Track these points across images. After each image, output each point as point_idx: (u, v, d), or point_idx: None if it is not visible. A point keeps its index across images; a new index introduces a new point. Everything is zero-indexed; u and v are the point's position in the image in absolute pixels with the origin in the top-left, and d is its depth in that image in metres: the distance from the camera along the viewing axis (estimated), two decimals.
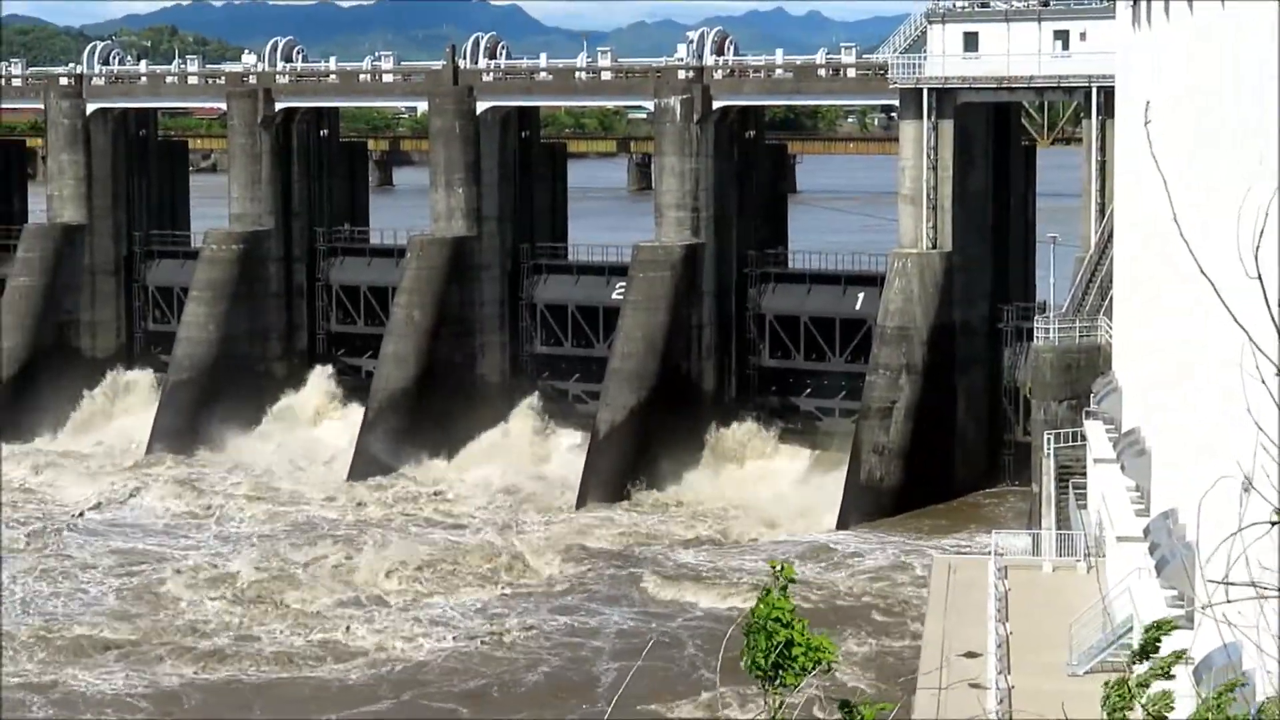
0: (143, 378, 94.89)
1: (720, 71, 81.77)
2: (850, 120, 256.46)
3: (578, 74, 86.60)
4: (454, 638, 59.39)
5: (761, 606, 13.73)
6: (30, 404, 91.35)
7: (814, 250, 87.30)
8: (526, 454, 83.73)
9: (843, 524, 72.07)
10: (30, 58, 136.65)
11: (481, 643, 58.87)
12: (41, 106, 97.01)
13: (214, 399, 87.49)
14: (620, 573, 66.42)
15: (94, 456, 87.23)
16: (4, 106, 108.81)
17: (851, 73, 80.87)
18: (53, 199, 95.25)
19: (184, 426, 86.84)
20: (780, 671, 13.61)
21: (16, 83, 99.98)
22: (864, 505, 72.72)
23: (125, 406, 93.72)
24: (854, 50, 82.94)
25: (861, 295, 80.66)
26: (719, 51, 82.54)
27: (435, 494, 78.85)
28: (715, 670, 53.19)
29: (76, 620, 61.30)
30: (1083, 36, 73.56)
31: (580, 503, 76.11)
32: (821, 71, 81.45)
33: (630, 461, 77.77)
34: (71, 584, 65.79)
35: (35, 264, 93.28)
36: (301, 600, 63.15)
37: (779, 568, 14.43)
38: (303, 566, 66.92)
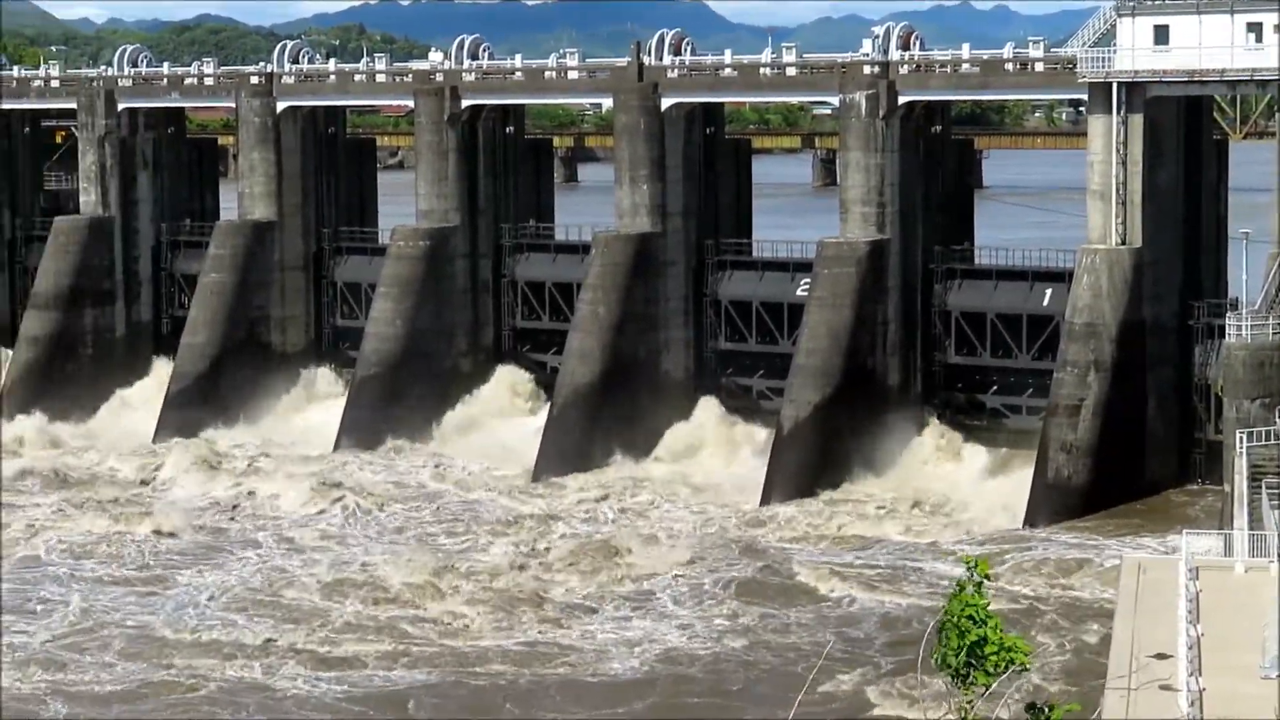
0: (330, 373, 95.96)
1: (906, 66, 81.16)
2: (1038, 115, 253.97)
3: (762, 70, 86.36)
4: (686, 637, 59.58)
5: (955, 603, 13.48)
6: (221, 398, 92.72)
7: (1000, 246, 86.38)
8: (709, 450, 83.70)
9: (1030, 522, 71.31)
10: (222, 57, 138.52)
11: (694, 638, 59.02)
12: (233, 105, 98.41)
13: (401, 394, 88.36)
14: (807, 570, 66.13)
15: (285, 454, 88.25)
16: (197, 105, 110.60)
17: (1039, 67, 79.94)
18: (243, 196, 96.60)
19: (371, 421, 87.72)
20: (972, 670, 13.36)
21: (209, 82, 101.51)
22: (1051, 504, 71.88)
23: (313, 401, 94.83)
24: (1041, 44, 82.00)
25: (1049, 291, 79.73)
26: (905, 46, 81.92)
27: (622, 490, 78.90)
28: (908, 670, 52.90)
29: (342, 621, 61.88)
30: (1277, 28, 72.19)
31: (764, 500, 75.90)
32: (1009, 66, 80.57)
33: (815, 458, 77.44)
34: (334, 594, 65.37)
35: (226, 260, 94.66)
36: (535, 599, 63.40)
37: (973, 564, 14.18)
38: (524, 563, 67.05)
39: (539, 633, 60.15)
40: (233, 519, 76.06)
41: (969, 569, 14.18)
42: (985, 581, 13.62)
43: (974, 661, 13.51)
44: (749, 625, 60.48)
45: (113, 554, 70.37)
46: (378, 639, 59.37)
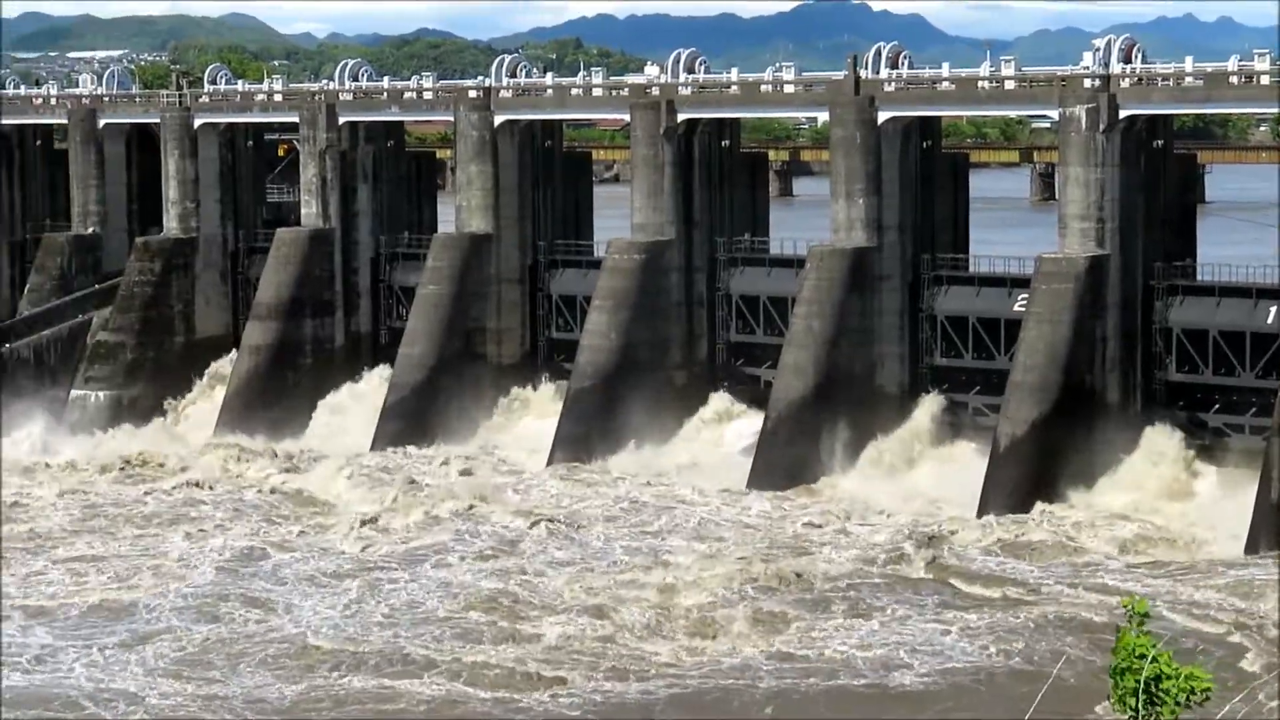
0: (546, 385, 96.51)
1: (1127, 79, 79.92)
2: (1263, 129, 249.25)
3: (980, 83, 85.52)
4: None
5: (1123, 645, 13.11)
6: (437, 410, 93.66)
7: (1223, 262, 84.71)
8: (923, 467, 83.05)
9: (1251, 547, 69.75)
10: (441, 71, 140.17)
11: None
12: (451, 119, 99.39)
13: (615, 406, 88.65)
14: (1026, 588, 65.48)
15: (502, 462, 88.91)
16: (416, 119, 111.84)
17: (1264, 79, 78.31)
18: (461, 209, 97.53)
19: (586, 433, 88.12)
20: (1155, 708, 12.95)
21: (428, 96, 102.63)
22: (1275, 528, 70.28)
23: (528, 413, 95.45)
24: (1267, 57, 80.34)
25: (1274, 309, 78.04)
26: (1126, 59, 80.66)
27: (837, 504, 78.52)
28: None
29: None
30: None
31: (979, 515, 75.18)
32: (1233, 79, 79.02)
33: (1031, 475, 76.49)
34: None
35: (444, 272, 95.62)
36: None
37: (1131, 605, 13.78)
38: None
39: (799, 641, 60.31)
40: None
41: (1129, 610, 13.79)
42: (1147, 619, 13.22)
43: (1154, 700, 13.13)
44: (991, 638, 60.15)
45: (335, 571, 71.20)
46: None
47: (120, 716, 54.74)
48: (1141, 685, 11.58)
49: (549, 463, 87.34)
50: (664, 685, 56.78)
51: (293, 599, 66.11)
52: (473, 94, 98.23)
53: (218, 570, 70.25)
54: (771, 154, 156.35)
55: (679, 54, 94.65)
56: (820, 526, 75.18)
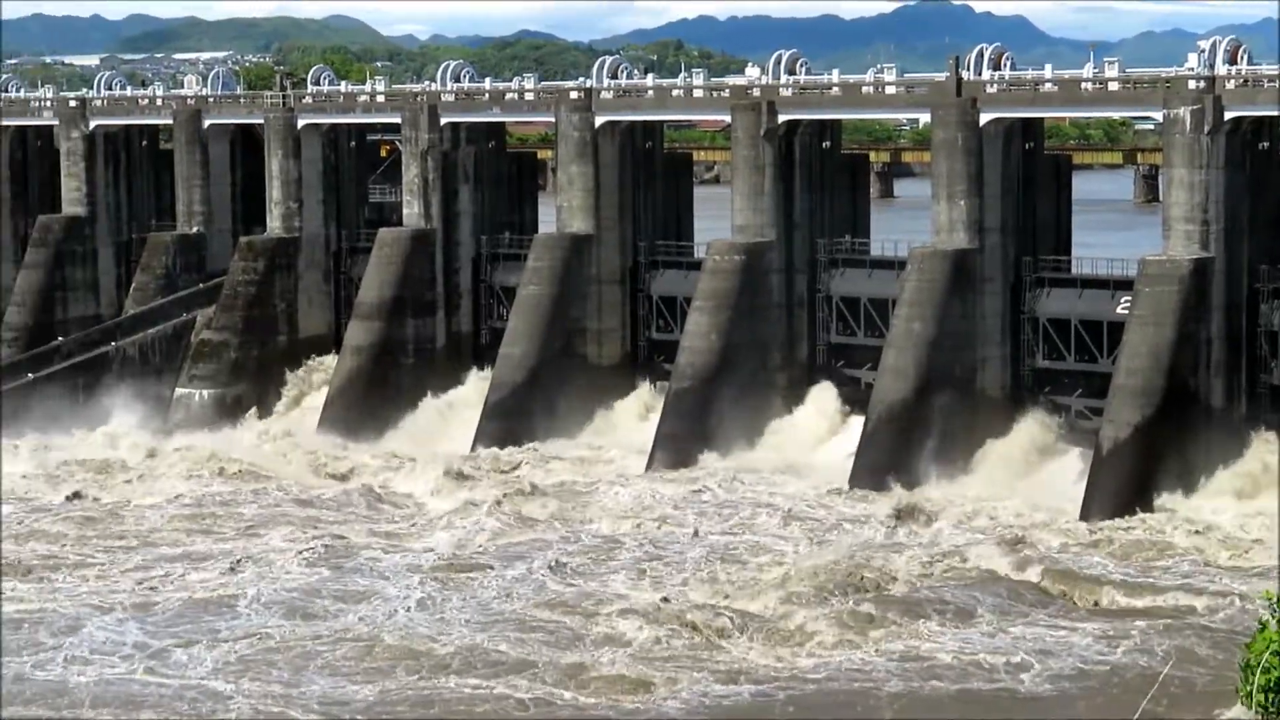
0: (645, 386, 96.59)
1: (1233, 81, 79.19)
2: None
3: (1083, 84, 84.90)
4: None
5: (1259, 641, 12.97)
6: (538, 410, 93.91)
7: None
8: (1025, 469, 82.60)
9: None
10: (542, 73, 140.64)
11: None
12: (552, 120, 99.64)
13: (715, 407, 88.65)
14: (1135, 590, 65.30)
15: (600, 463, 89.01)
16: (517, 120, 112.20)
17: None
18: (562, 210, 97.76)
19: (685, 434, 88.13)
20: None
21: (529, 97, 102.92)
22: None
23: (628, 414, 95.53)
24: None
25: None
26: (1231, 60, 79.92)
27: (938, 507, 78.18)
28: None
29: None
30: None
31: (1082, 519, 74.75)
32: None
33: (1134, 479, 75.95)
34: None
35: (545, 273, 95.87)
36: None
37: (1275, 599, 13.65)
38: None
39: (908, 643, 60.22)
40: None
41: (1272, 604, 13.66)
42: None
43: None
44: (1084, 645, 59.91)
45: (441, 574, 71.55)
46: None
47: (206, 715, 55.22)
48: (1273, 685, 11.50)
49: (648, 464, 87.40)
50: (778, 687, 56.60)
51: (384, 598, 66.30)
52: (574, 95, 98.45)
53: (312, 569, 70.69)
54: (872, 155, 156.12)
55: (780, 55, 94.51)
56: (921, 528, 74.89)
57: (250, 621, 63.99)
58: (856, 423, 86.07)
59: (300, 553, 73.09)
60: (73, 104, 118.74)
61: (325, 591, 67.41)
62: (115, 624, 63.78)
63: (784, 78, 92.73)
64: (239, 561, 72.01)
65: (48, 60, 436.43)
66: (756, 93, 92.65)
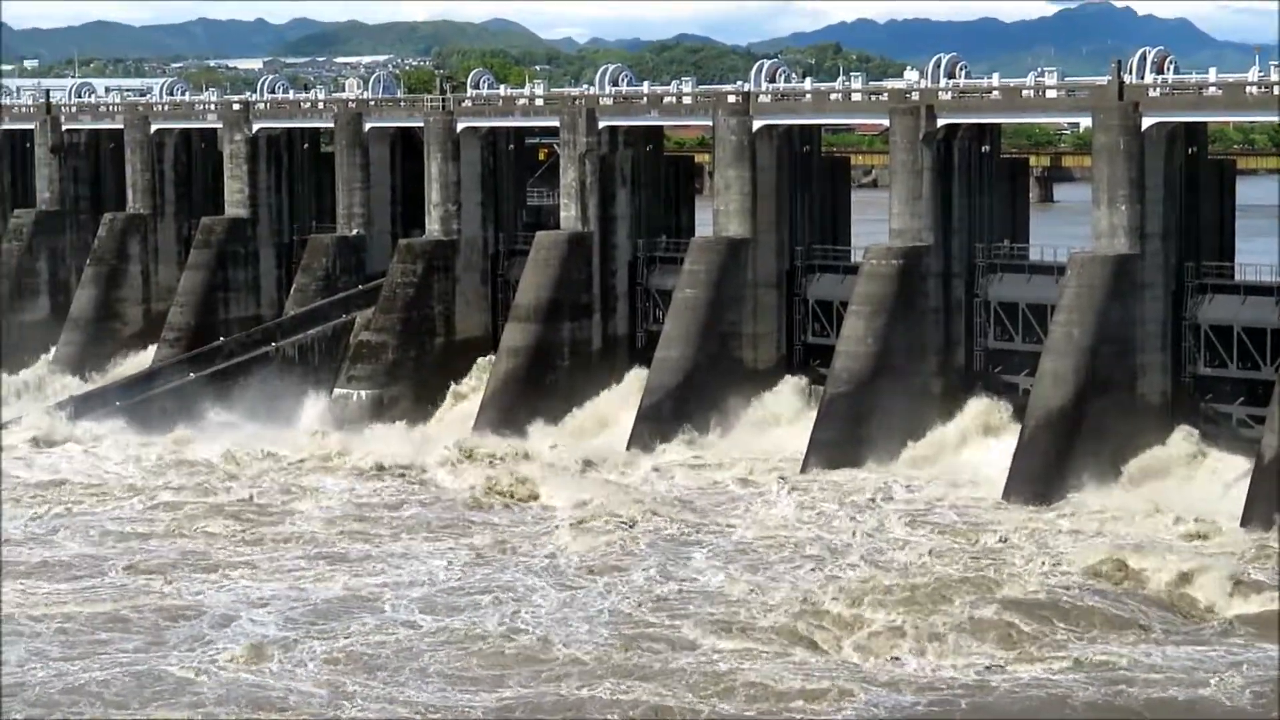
0: (801, 390, 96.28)
1: None
2: None
3: (1249, 88, 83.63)
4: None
5: None
6: (693, 412, 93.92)
7: None
8: (1185, 477, 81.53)
9: None
10: (700, 76, 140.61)
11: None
12: (710, 123, 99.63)
13: (871, 412, 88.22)
14: None
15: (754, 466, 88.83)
16: (674, 124, 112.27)
17: None
18: (719, 213, 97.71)
19: (840, 439, 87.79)
20: None
21: (687, 100, 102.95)
22: None
23: (783, 418, 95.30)
24: None
25: None
26: None
27: (1097, 515, 77.31)
28: None
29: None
30: None
31: (1244, 527, 73.67)
32: None
33: None
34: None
35: (701, 277, 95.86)
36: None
37: None
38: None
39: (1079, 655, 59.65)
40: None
41: None
42: None
43: None
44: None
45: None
46: None
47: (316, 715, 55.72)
48: None
49: (803, 468, 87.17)
50: (960, 695, 56.20)
51: (530, 602, 66.49)
52: (732, 99, 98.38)
53: (459, 569, 71.30)
54: (1032, 160, 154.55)
55: (939, 58, 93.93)
56: (1081, 538, 73.94)
57: (391, 619, 64.53)
58: (1013, 429, 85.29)
59: (449, 552, 73.64)
60: (236, 107, 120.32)
61: (469, 591, 67.92)
62: (260, 620, 64.58)
63: (943, 81, 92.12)
64: (388, 559, 72.63)
65: (212, 64, 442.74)
66: (915, 96, 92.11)
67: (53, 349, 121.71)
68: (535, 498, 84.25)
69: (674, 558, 72.65)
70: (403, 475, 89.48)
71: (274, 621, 64.55)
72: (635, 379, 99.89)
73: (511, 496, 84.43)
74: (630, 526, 77.46)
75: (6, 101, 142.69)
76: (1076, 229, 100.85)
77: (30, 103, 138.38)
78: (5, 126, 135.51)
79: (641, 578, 69.44)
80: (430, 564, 72.26)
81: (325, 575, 70.89)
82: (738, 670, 58.18)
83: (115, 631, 63.69)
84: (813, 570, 69.97)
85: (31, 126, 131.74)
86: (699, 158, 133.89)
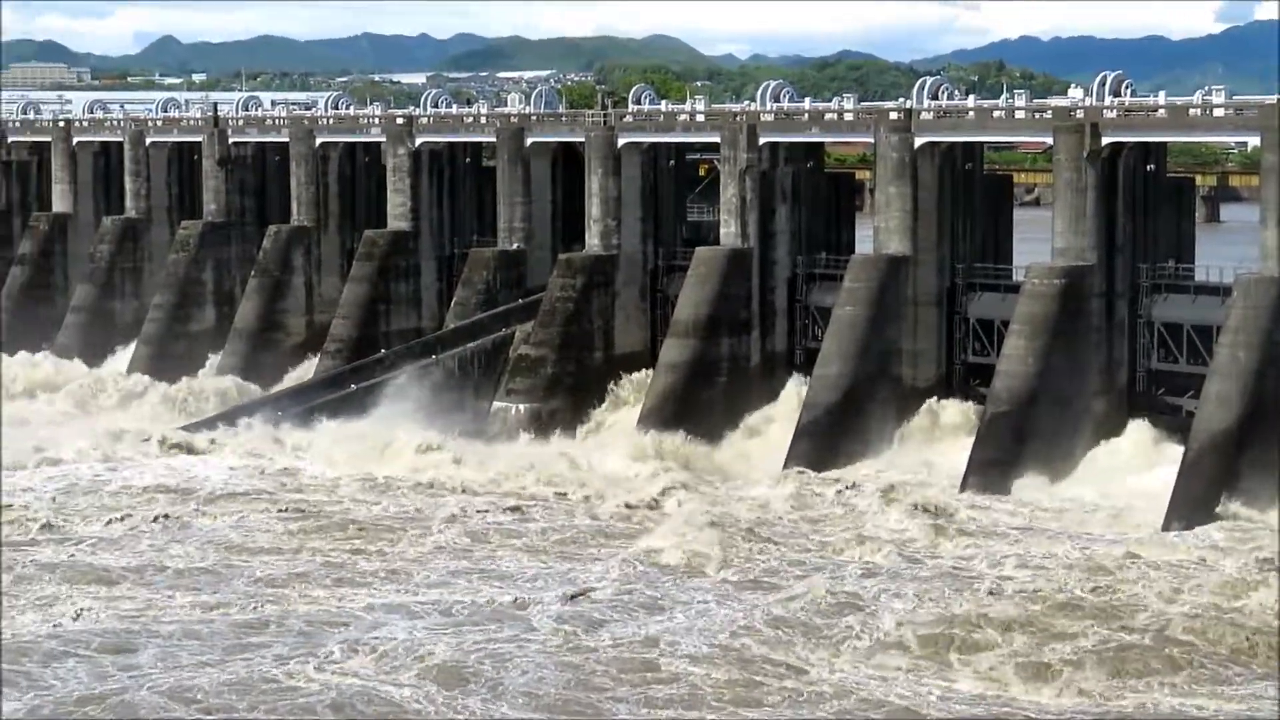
0: (960, 409, 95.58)
1: None
2: None
3: None
4: None
5: None
6: (851, 430, 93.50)
7: None
8: None
9: None
10: (861, 93, 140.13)
11: None
12: (871, 140, 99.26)
13: (1031, 433, 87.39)
14: None
15: (907, 486, 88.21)
16: (835, 140, 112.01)
17: None
18: (879, 231, 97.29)
19: (1000, 460, 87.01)
20: None
21: (848, 117, 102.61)
22: None
23: (942, 437, 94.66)
24: None
25: None
26: None
27: (1266, 543, 75.94)
28: None
29: None
30: None
31: None
32: None
33: None
34: None
35: (860, 294, 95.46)
36: None
37: None
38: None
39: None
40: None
41: None
42: None
43: None
44: None
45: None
46: None
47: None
48: None
49: (961, 488, 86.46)
50: None
51: (684, 626, 66.31)
52: (894, 116, 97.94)
53: (613, 584, 71.38)
54: (1198, 179, 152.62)
55: (1104, 76, 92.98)
56: (1251, 567, 72.50)
57: (536, 633, 64.73)
58: (1175, 453, 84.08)
59: (605, 569, 73.76)
60: (400, 121, 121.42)
61: (620, 607, 67.92)
62: (407, 629, 65.08)
63: (1108, 99, 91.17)
64: (543, 572, 72.96)
65: (376, 78, 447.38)
66: (1080, 114, 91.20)
67: (217, 358, 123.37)
68: (705, 511, 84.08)
69: (830, 571, 72.43)
70: (561, 486, 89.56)
71: (409, 629, 65.05)
72: (793, 396, 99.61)
73: (677, 508, 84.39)
74: (790, 541, 77.24)
75: (175, 114, 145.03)
76: (1243, 249, 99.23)
77: (198, 116, 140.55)
78: (174, 139, 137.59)
79: (771, 599, 69.14)
80: (586, 576, 72.45)
81: (474, 584, 71.33)
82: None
83: (251, 637, 64.49)
84: (960, 591, 69.24)
85: (199, 139, 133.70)
86: (860, 174, 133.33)
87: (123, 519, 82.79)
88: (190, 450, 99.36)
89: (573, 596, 68.98)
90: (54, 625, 65.57)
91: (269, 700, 57.45)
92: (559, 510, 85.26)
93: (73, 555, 76.31)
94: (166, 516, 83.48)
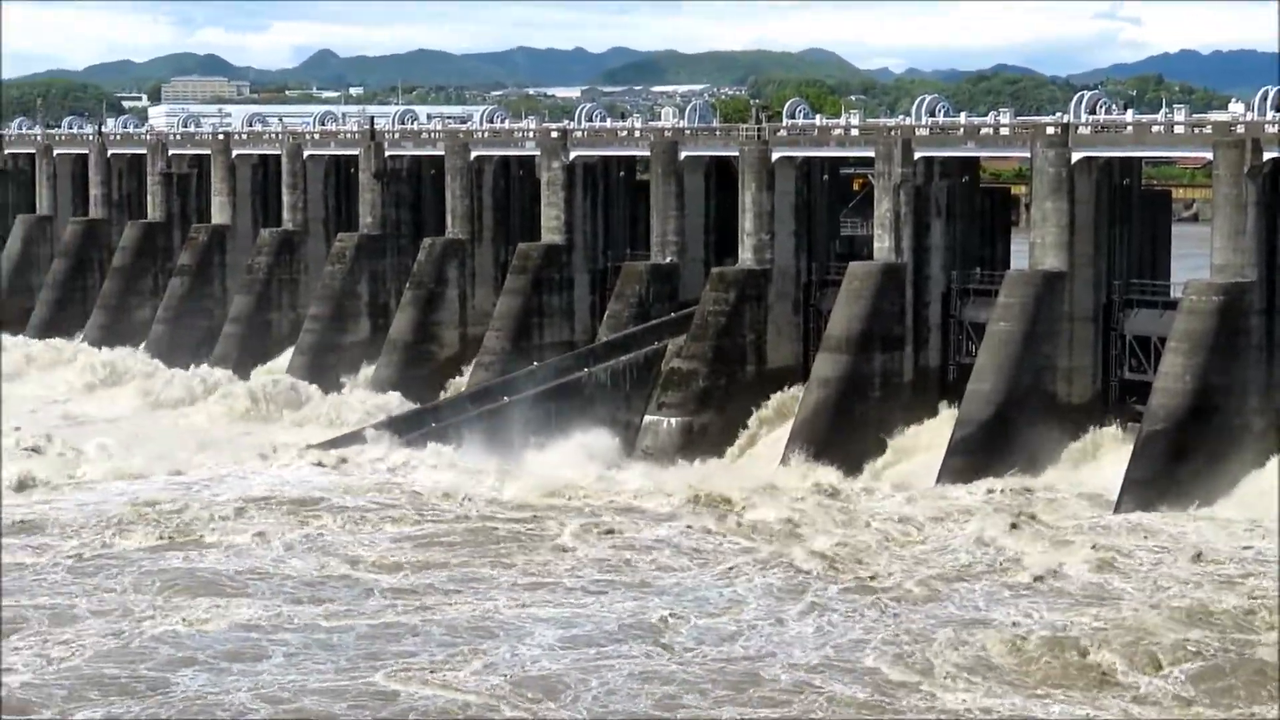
0: (1115, 426, 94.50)
1: None
2: None
3: None
4: None
5: None
6: (1004, 447, 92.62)
7: None
8: None
9: None
10: (1017, 107, 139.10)
11: None
12: (1027, 155, 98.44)
13: (1188, 453, 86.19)
14: None
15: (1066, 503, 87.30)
16: (991, 155, 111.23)
17: None
18: (1035, 246, 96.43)
19: (1155, 479, 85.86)
20: None
21: (1004, 132, 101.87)
22: None
23: (1097, 455, 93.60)
24: None
25: None
26: None
27: None
28: None
29: None
30: None
31: None
32: None
33: None
34: None
35: (1015, 310, 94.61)
36: None
37: None
38: None
39: None
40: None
41: None
42: None
43: None
44: None
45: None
46: None
47: None
48: None
49: (1116, 508, 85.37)
50: None
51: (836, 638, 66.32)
52: (1050, 130, 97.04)
53: (759, 600, 71.34)
54: None
55: (1266, 91, 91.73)
56: None
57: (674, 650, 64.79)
58: None
59: (750, 584, 73.63)
60: (554, 135, 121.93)
61: (761, 625, 67.88)
62: (543, 641, 65.51)
63: (1270, 114, 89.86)
64: (692, 588, 72.96)
65: (530, 92, 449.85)
66: (1240, 129, 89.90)
67: (370, 370, 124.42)
68: (853, 524, 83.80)
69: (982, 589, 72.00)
70: (712, 501, 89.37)
71: (544, 643, 65.48)
72: (946, 412, 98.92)
73: (831, 524, 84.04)
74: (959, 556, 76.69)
75: (332, 128, 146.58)
76: None
77: (355, 129, 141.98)
78: (331, 152, 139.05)
79: (917, 613, 68.65)
80: (734, 591, 72.41)
81: (605, 599, 71.55)
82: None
83: (378, 644, 65.25)
84: (1107, 613, 68.46)
85: (356, 152, 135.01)
86: (1015, 189, 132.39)
87: (259, 530, 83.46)
88: (340, 462, 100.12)
89: None
90: (195, 630, 66.81)
91: (393, 711, 58.18)
92: (708, 524, 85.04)
93: (208, 563, 77.46)
94: (305, 525, 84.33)
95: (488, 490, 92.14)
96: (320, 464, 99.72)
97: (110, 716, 57.53)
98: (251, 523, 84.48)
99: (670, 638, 65.88)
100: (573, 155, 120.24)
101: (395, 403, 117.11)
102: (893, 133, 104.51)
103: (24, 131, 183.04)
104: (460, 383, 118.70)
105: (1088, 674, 61.21)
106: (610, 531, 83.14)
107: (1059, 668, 61.70)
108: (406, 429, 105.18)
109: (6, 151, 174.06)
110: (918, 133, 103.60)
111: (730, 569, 76.56)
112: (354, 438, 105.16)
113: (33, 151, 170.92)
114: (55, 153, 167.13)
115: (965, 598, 70.99)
